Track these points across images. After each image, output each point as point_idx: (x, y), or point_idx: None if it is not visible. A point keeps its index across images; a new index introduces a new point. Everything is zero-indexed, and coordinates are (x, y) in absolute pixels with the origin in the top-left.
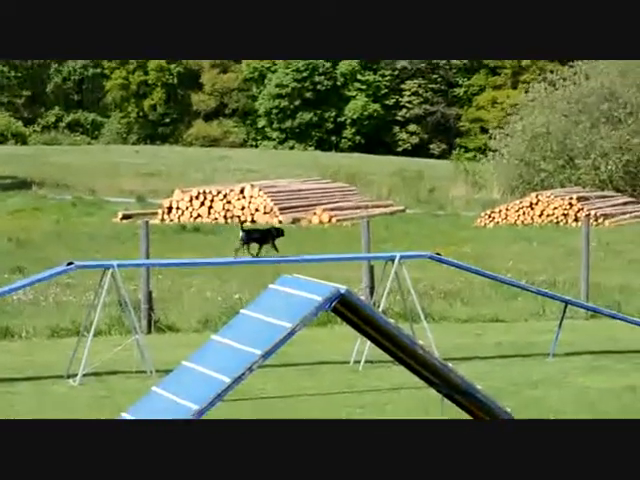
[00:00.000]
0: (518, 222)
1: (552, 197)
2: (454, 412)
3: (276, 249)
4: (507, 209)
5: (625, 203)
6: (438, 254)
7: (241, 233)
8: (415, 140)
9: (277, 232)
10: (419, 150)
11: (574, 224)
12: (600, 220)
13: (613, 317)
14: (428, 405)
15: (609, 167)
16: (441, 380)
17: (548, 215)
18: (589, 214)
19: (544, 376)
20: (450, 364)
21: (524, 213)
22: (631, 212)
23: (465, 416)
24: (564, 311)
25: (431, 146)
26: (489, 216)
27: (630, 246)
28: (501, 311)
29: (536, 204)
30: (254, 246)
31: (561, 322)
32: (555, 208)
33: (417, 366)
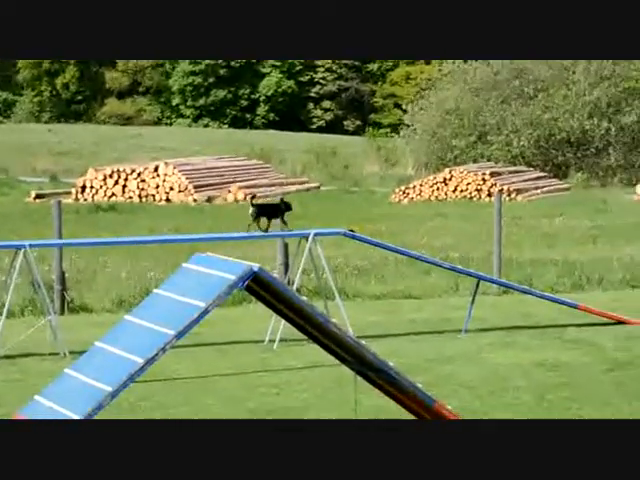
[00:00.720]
0: (432, 198)
1: (465, 173)
2: (367, 389)
3: (285, 223)
4: (421, 185)
5: (537, 178)
6: (352, 231)
7: (251, 208)
8: (329, 117)
9: (286, 206)
10: (333, 127)
11: (487, 199)
12: (513, 195)
13: (525, 292)
14: (342, 383)
15: (521, 143)
16: (354, 357)
17: (462, 191)
18: (502, 189)
19: (457, 352)
20: (363, 341)
21: (438, 189)
22: (543, 187)
23: (377, 394)
24: (477, 287)
25: (345, 122)
26: (403, 192)
27: (542, 220)
28: (415, 287)
29: (450, 180)
30: (264, 221)
31: (474, 298)
32: (468, 184)
33: (331, 344)
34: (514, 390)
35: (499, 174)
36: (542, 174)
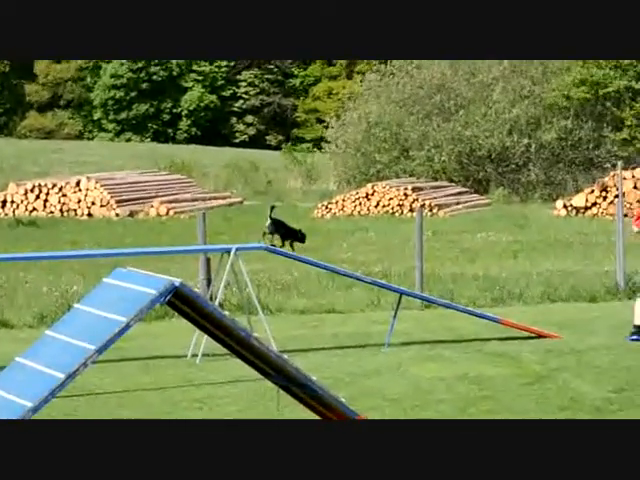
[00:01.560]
0: (355, 213)
1: (388, 188)
2: (290, 403)
3: (292, 248)
4: (344, 200)
5: (458, 193)
6: (274, 245)
7: (268, 221)
8: (252, 131)
9: (301, 237)
10: (256, 141)
11: (409, 214)
12: (435, 210)
13: (447, 307)
14: (265, 397)
15: (442, 158)
16: (277, 372)
17: (384, 206)
18: (423, 204)
19: (379, 366)
20: (286, 356)
21: (360, 204)
22: (464, 202)
23: (301, 409)
24: (399, 301)
25: (268, 137)
26: (326, 207)
27: (464, 235)
28: (337, 302)
29: (372, 195)
30: (278, 237)
31: (396, 312)
32: (391, 199)
33: (253, 358)
34: (436, 403)
35: (421, 189)
36: (463, 189)
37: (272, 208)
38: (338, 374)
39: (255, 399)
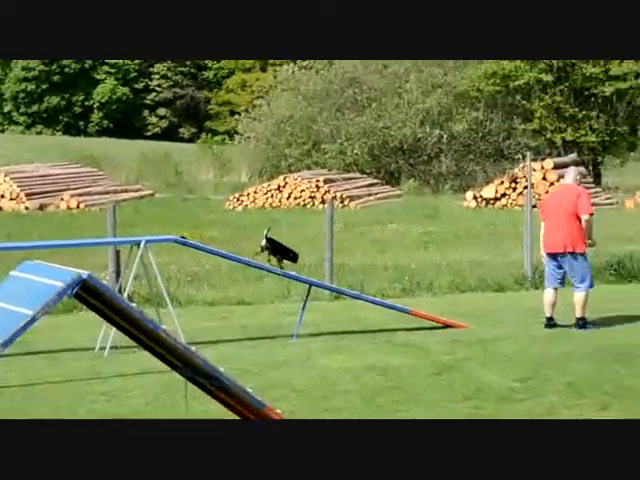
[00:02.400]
0: (266, 205)
1: (299, 180)
2: (198, 394)
3: (281, 267)
4: (255, 192)
5: (370, 185)
6: (183, 237)
7: (264, 241)
8: (165, 124)
9: (293, 257)
10: (169, 134)
11: (321, 206)
12: (346, 202)
13: (356, 297)
14: (173, 389)
15: (354, 151)
16: (184, 364)
17: (296, 198)
18: (335, 196)
19: (288, 357)
20: (194, 347)
21: (272, 196)
22: (376, 193)
23: (209, 401)
24: (308, 293)
25: (181, 130)
26: (238, 199)
27: (374, 227)
28: (247, 294)
29: (284, 187)
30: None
31: (305, 303)
32: (302, 190)
33: (161, 350)
34: (344, 394)
35: (333, 181)
36: (375, 181)
37: (268, 229)
38: (246, 365)
39: (163, 391)
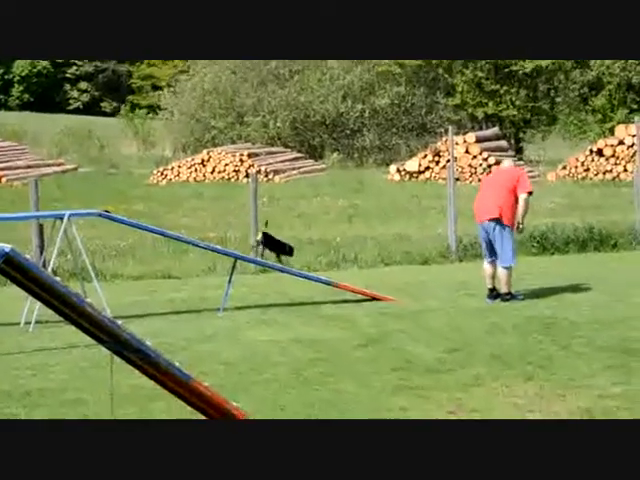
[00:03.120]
0: (190, 179)
1: (223, 154)
2: (125, 369)
3: (280, 261)
4: (179, 166)
5: (294, 159)
6: (107, 211)
7: (260, 235)
8: (86, 98)
9: (290, 251)
10: (91, 108)
11: (245, 180)
12: (270, 176)
13: (281, 271)
14: (99, 363)
15: (277, 124)
16: (111, 338)
17: (220, 172)
18: (259, 170)
19: (215, 330)
20: (120, 321)
21: (196, 170)
22: (300, 167)
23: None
24: (233, 266)
25: (103, 104)
26: (162, 174)
27: (299, 201)
28: (173, 268)
29: (208, 161)
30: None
31: (231, 277)
32: (226, 165)
33: (87, 324)
34: (272, 367)
35: (257, 155)
36: (299, 155)
37: (266, 223)
38: (173, 339)
39: (89, 365)
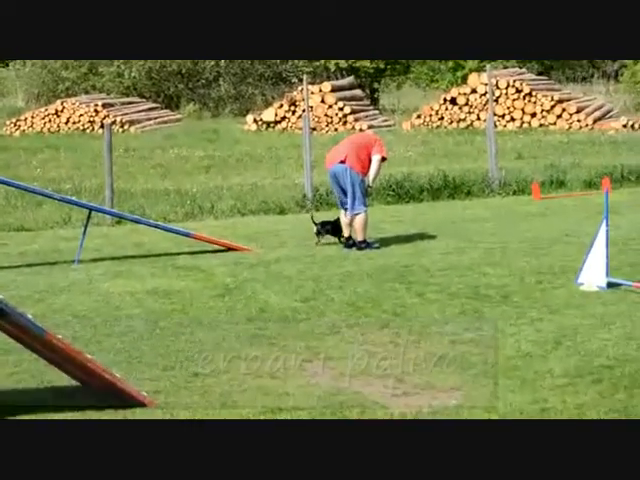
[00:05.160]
0: (44, 130)
1: (77, 104)
2: None
3: (340, 240)
4: (32, 117)
5: (150, 109)
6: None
7: (315, 227)
8: None
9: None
10: None
11: (100, 131)
12: (126, 126)
13: (137, 222)
14: None
15: (132, 74)
16: None
17: (74, 122)
18: (114, 121)
19: (69, 283)
20: None
21: (50, 121)
22: (156, 118)
23: None
24: (88, 217)
25: None
26: (15, 124)
27: (156, 151)
28: (27, 220)
29: (62, 111)
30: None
31: (85, 229)
32: (81, 115)
33: None
34: (127, 319)
35: (111, 105)
36: (154, 105)
37: (312, 215)
38: (26, 292)
39: None
